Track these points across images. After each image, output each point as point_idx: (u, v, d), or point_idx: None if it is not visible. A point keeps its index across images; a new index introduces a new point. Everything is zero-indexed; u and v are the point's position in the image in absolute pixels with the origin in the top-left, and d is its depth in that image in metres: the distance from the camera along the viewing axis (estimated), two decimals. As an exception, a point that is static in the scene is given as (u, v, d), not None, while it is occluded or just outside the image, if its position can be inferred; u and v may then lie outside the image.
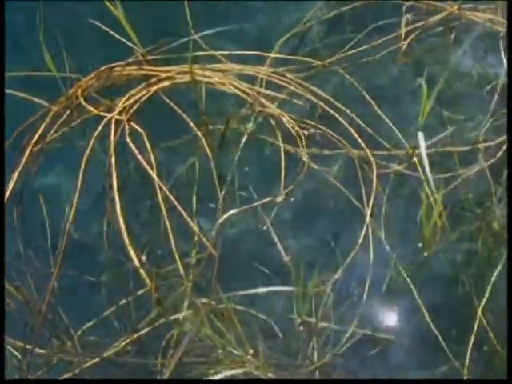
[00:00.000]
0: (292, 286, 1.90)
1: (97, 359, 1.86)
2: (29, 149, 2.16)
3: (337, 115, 2.23)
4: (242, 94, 2.26)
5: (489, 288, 1.91)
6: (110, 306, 1.94)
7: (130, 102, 2.24)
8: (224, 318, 1.85)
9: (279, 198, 2.10)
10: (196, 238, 2.02)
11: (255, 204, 2.09)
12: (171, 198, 2.06)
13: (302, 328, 1.90)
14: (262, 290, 1.92)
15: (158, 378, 1.83)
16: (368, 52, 2.38)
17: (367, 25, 2.42)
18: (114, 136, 2.17)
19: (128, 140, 2.16)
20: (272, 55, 2.36)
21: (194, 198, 2.10)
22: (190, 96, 2.25)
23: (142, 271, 1.96)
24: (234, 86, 2.26)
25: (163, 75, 2.28)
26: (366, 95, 2.28)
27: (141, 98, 2.24)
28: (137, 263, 1.96)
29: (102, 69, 2.32)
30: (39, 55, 2.19)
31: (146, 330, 1.90)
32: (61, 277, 1.97)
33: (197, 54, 2.33)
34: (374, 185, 2.11)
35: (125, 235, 2.00)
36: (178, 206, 2.05)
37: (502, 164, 2.11)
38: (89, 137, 2.18)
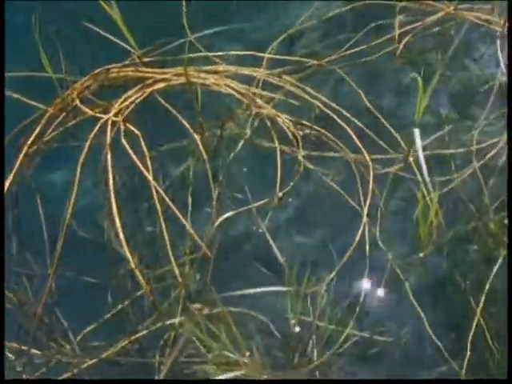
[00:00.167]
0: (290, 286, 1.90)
1: (95, 360, 1.87)
2: (24, 150, 2.16)
3: (335, 116, 2.23)
4: (237, 95, 2.26)
5: (487, 287, 1.91)
6: (107, 307, 1.94)
7: (126, 103, 2.24)
8: (220, 320, 1.85)
9: (276, 200, 2.10)
10: (195, 240, 2.02)
11: (251, 206, 2.08)
12: (167, 199, 2.06)
13: (296, 328, 1.90)
14: (257, 290, 1.92)
15: (156, 377, 1.83)
16: (366, 52, 2.38)
17: (365, 25, 2.42)
18: (110, 137, 2.17)
19: (123, 141, 2.16)
20: (268, 55, 2.36)
21: (190, 200, 2.10)
22: (188, 98, 2.25)
23: (138, 274, 1.95)
24: (229, 86, 2.26)
25: (159, 77, 2.28)
26: (363, 96, 2.27)
27: (136, 99, 2.24)
28: (133, 265, 1.96)
29: (98, 70, 2.32)
30: (36, 56, 2.19)
31: (142, 333, 1.90)
32: (57, 278, 1.98)
33: (192, 55, 2.32)
34: (371, 186, 2.10)
35: (121, 236, 2.00)
36: (174, 207, 2.05)
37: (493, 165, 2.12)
38: (85, 138, 2.18)
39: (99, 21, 2.34)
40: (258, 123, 2.24)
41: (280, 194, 2.11)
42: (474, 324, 1.87)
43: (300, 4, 2.50)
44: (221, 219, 2.05)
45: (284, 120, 2.22)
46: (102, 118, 2.21)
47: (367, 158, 2.15)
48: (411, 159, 2.11)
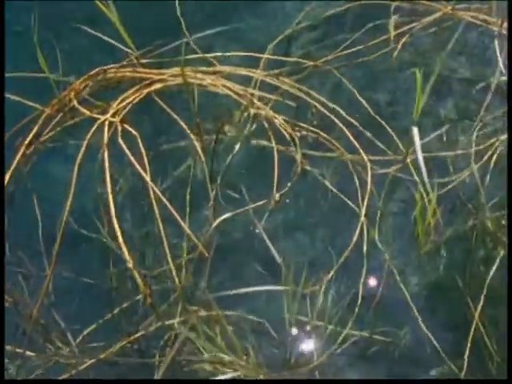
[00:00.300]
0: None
1: (93, 360, 1.87)
2: (21, 150, 2.16)
3: (332, 116, 2.22)
4: (234, 96, 2.26)
5: (485, 287, 1.91)
6: (105, 308, 1.94)
7: (124, 104, 2.24)
8: (216, 322, 1.85)
9: (273, 201, 2.10)
10: (192, 241, 2.02)
11: (248, 207, 2.08)
12: (164, 200, 2.06)
13: (293, 328, 1.89)
14: (253, 289, 1.92)
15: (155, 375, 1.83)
16: (363, 52, 2.37)
17: (363, 25, 2.42)
18: (108, 138, 2.17)
19: (120, 141, 2.16)
20: (265, 56, 2.36)
21: (188, 200, 2.10)
22: (186, 99, 2.25)
23: (136, 275, 1.95)
24: (226, 87, 2.26)
25: (156, 78, 2.28)
26: (360, 97, 2.27)
27: (133, 100, 2.24)
28: (130, 265, 1.96)
29: (95, 71, 2.32)
30: (33, 56, 2.19)
31: (139, 334, 1.90)
32: (55, 279, 1.97)
33: (189, 56, 2.32)
34: (369, 186, 2.10)
35: (119, 237, 2.00)
36: (171, 208, 2.05)
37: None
38: (82, 139, 2.18)
39: (97, 21, 2.33)
40: (255, 124, 2.24)
41: (277, 196, 2.11)
42: (474, 324, 1.87)
43: (299, 4, 2.50)
44: (218, 221, 2.05)
45: (281, 121, 2.22)
46: (99, 118, 2.21)
47: (365, 158, 2.14)
48: (408, 160, 2.12)
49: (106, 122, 2.19)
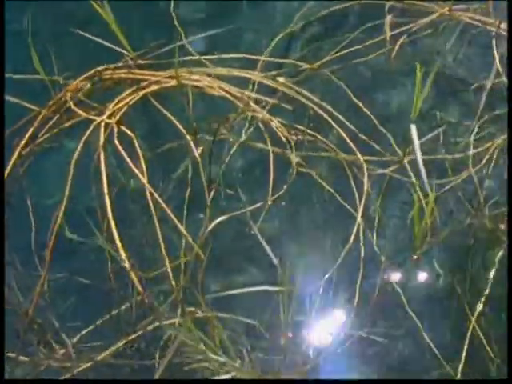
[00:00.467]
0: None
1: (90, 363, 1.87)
2: (17, 151, 2.16)
3: (329, 119, 2.22)
4: (231, 98, 2.25)
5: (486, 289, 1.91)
6: (101, 309, 1.94)
7: (120, 105, 2.24)
8: (211, 324, 1.85)
9: (269, 203, 2.10)
10: (189, 242, 2.01)
11: (244, 210, 2.08)
12: (161, 202, 2.06)
13: (288, 329, 1.88)
14: (248, 289, 1.91)
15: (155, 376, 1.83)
16: (361, 53, 2.37)
17: (362, 25, 2.41)
18: (104, 139, 2.17)
19: (117, 143, 2.15)
20: (262, 58, 2.35)
21: (186, 201, 2.10)
22: (184, 100, 2.25)
23: (134, 277, 1.95)
24: (223, 89, 2.25)
25: (152, 79, 2.28)
26: (355, 99, 2.27)
27: (130, 101, 2.24)
28: (127, 266, 1.95)
29: (91, 72, 2.32)
30: (28, 58, 2.19)
31: (134, 336, 1.90)
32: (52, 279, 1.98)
33: (184, 58, 2.32)
34: (365, 188, 2.10)
35: (116, 239, 1.99)
36: (168, 210, 2.04)
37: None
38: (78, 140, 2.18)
39: (93, 22, 2.33)
40: (252, 126, 2.23)
41: (272, 198, 2.10)
42: (472, 324, 1.87)
43: (297, 4, 2.49)
44: (214, 223, 2.05)
45: (277, 124, 2.21)
46: (95, 120, 2.21)
47: (361, 159, 2.14)
48: (406, 161, 2.11)
49: (102, 124, 2.19)
